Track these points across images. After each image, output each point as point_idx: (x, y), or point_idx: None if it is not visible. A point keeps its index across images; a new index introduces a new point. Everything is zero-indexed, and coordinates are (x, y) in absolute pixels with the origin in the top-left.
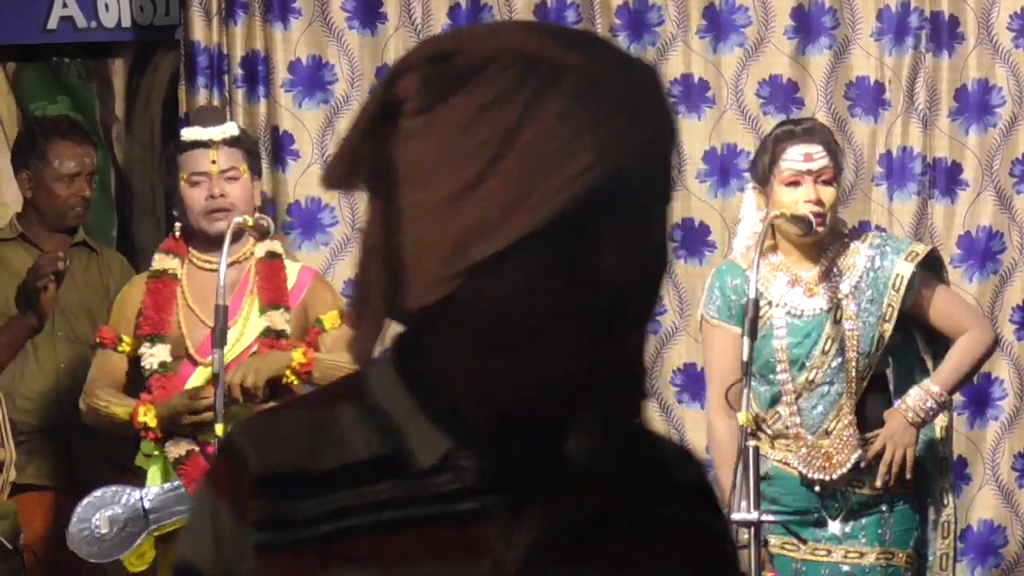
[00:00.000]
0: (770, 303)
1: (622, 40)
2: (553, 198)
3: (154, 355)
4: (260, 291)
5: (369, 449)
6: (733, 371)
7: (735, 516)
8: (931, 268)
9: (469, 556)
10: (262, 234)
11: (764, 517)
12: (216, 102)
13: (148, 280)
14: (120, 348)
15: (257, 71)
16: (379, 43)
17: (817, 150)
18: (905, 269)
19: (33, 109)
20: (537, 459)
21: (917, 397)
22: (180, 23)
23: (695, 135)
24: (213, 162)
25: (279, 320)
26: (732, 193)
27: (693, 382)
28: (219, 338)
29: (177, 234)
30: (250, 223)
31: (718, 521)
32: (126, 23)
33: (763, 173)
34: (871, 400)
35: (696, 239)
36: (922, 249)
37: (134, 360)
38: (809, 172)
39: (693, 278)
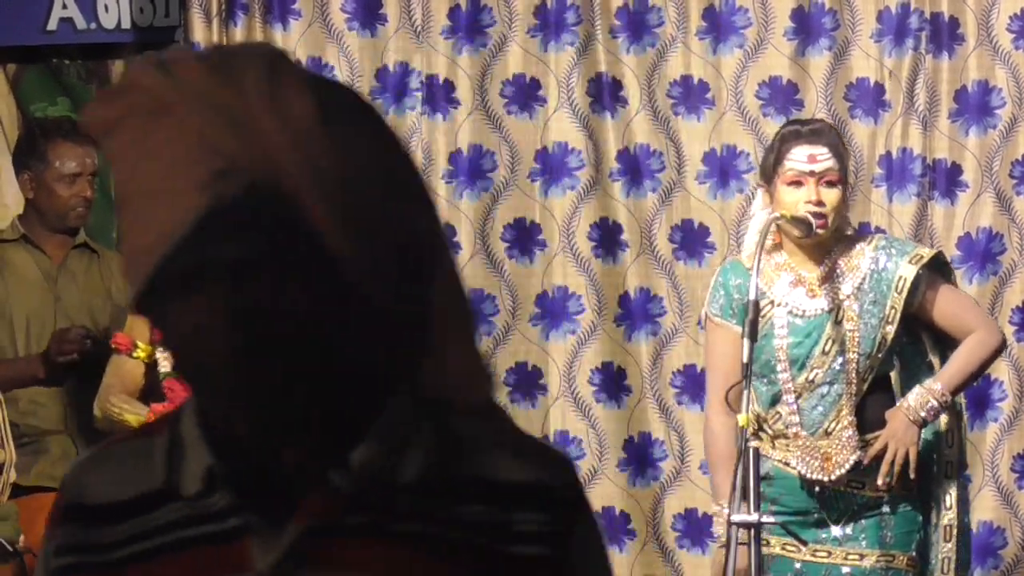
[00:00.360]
0: (772, 302)
1: (621, 41)
2: (154, 250)
3: (168, 358)
4: None
5: (163, 476)
6: (733, 370)
7: (735, 517)
8: (937, 271)
9: (234, 571)
10: None
11: (764, 519)
12: None
13: None
14: (135, 354)
15: None
16: (379, 44)
17: (822, 151)
18: (908, 272)
19: (33, 110)
20: (300, 473)
21: (919, 396)
22: (180, 24)
23: (694, 136)
24: None
25: None
26: (732, 195)
27: (693, 383)
28: None
29: None
30: None
31: (550, 525)
32: (126, 24)
33: (768, 172)
34: (873, 401)
35: (695, 240)
36: (927, 252)
37: (150, 366)
38: (812, 173)
39: (692, 279)
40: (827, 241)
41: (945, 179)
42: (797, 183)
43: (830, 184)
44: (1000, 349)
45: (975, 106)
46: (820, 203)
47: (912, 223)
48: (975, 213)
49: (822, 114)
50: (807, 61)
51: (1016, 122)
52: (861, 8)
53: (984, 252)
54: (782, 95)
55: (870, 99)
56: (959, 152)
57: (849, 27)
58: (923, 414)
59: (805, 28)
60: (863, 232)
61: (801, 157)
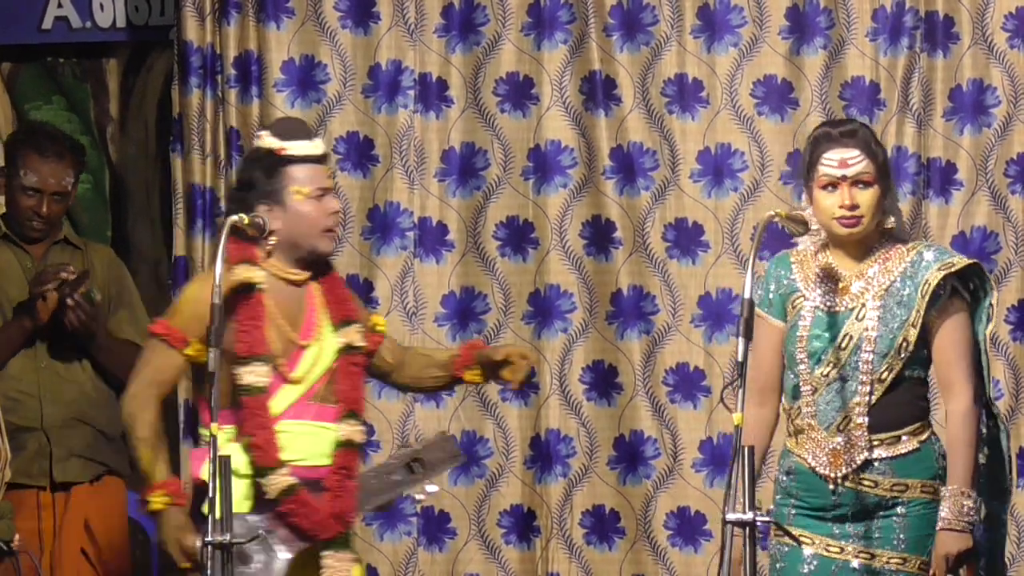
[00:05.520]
0: (803, 296)
1: (615, 40)
2: None
3: (254, 374)
4: (330, 307)
5: None
6: (766, 360)
7: (730, 516)
8: (967, 287)
9: None
10: (259, 233)
11: (758, 518)
12: (209, 102)
13: (233, 292)
14: (187, 351)
15: (250, 71)
16: (372, 43)
17: (853, 155)
18: (935, 277)
19: (28, 109)
20: None
21: (951, 506)
22: (174, 23)
23: (689, 135)
24: (331, 177)
25: (355, 336)
26: (726, 193)
27: (685, 382)
28: (216, 338)
29: (271, 243)
30: (246, 221)
31: None
32: (121, 23)
33: (804, 175)
34: (892, 402)
35: (689, 239)
36: (959, 261)
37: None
38: (844, 178)
39: (686, 278)
40: (869, 239)
41: (940, 178)
42: (831, 186)
43: (865, 185)
44: (974, 411)
45: (970, 105)
46: (854, 206)
47: (907, 222)
48: (970, 212)
49: (817, 113)
50: (802, 60)
51: (1011, 121)
52: (856, 7)
53: (979, 251)
54: (777, 94)
55: (865, 98)
56: (954, 151)
57: (844, 26)
58: (966, 519)
59: (800, 27)
60: (914, 236)
61: (833, 161)
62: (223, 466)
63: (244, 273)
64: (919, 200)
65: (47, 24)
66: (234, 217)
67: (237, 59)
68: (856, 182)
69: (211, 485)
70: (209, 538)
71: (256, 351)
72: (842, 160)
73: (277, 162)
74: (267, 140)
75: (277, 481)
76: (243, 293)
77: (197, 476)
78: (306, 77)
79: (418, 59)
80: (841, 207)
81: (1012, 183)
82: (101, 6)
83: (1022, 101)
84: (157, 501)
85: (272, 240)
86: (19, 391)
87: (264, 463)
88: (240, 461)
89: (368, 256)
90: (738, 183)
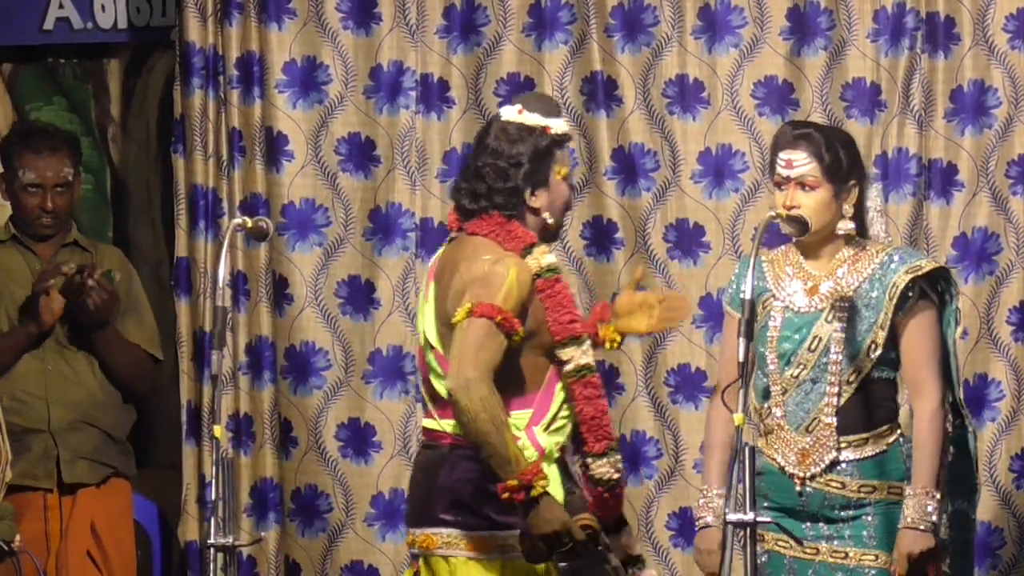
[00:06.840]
0: (773, 296)
1: (617, 40)
2: None
3: (584, 355)
4: None
5: None
6: (734, 360)
7: (731, 517)
8: (934, 290)
9: None
10: (260, 236)
11: (759, 518)
12: (211, 103)
13: (543, 280)
14: (514, 339)
15: (252, 72)
16: (373, 43)
17: (800, 157)
18: (902, 280)
19: (29, 110)
20: None
21: (915, 506)
22: (176, 24)
23: (690, 136)
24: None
25: None
26: (727, 194)
27: (687, 383)
28: (218, 340)
29: (550, 222)
30: (249, 224)
31: None
32: (122, 24)
33: (769, 173)
34: (860, 403)
35: (690, 240)
36: (927, 264)
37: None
38: (788, 178)
39: (687, 279)
40: (826, 241)
41: (941, 179)
42: (780, 186)
43: (808, 188)
44: (940, 414)
45: (971, 106)
46: (792, 207)
47: (908, 223)
48: (971, 213)
49: (817, 114)
50: (803, 61)
51: (1012, 122)
52: (857, 8)
53: (980, 252)
54: (777, 95)
55: (866, 99)
56: (955, 152)
57: (845, 27)
58: (929, 520)
59: (801, 28)
60: (883, 239)
61: (782, 161)
62: (225, 467)
63: (547, 257)
64: (920, 201)
65: (48, 25)
66: (238, 220)
67: (239, 60)
68: (800, 184)
69: (213, 486)
70: (212, 540)
71: (575, 332)
72: (788, 161)
73: (548, 142)
74: (531, 118)
75: (609, 467)
76: (543, 276)
77: (542, 450)
78: (308, 78)
79: (419, 60)
80: (783, 206)
81: (1013, 184)
82: (102, 7)
83: (1023, 102)
84: (541, 485)
85: (549, 220)
86: (25, 392)
87: (601, 448)
88: (551, 444)
89: (370, 257)
90: (739, 184)
